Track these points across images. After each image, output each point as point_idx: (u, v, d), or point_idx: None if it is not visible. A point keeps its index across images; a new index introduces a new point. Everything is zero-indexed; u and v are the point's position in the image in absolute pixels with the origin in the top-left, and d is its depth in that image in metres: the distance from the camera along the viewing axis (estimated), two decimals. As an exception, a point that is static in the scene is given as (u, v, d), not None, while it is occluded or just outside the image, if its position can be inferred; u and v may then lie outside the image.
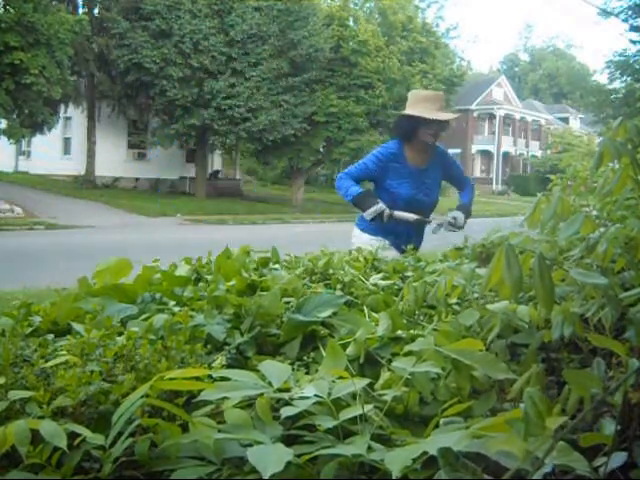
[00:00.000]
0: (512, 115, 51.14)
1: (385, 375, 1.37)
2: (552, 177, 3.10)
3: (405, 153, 3.92)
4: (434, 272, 2.06)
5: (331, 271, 2.18)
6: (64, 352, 1.38)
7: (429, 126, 3.82)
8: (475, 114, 49.29)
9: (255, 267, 2.34)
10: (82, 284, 2.06)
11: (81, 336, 1.43)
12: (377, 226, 3.84)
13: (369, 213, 3.70)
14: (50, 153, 28.19)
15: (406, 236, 3.73)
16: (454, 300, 1.66)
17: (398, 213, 3.76)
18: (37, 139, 24.66)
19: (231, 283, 2.02)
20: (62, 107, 23.81)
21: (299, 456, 1.08)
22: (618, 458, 0.97)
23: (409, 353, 1.35)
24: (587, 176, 2.98)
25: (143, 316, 1.77)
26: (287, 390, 1.25)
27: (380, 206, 3.71)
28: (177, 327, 1.57)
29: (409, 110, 3.86)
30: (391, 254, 3.13)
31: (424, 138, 3.87)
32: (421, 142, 3.91)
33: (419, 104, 3.84)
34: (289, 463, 1.01)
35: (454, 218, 3.92)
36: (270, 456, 1.00)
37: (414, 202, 3.86)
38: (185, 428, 1.16)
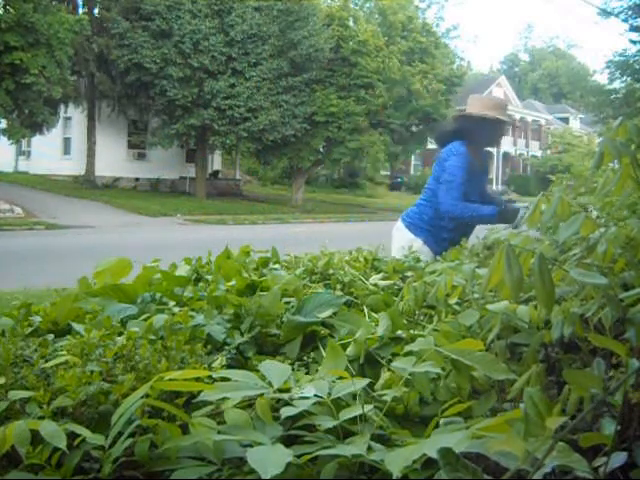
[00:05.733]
0: (512, 115, 51.10)
1: (385, 375, 1.37)
2: (552, 177, 3.09)
3: (471, 156, 3.72)
4: (434, 272, 2.05)
5: (331, 271, 2.18)
6: (64, 352, 1.38)
7: (502, 132, 3.89)
8: (475, 114, 49.18)
9: (255, 267, 2.34)
10: (82, 284, 2.06)
11: (81, 336, 1.43)
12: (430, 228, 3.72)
13: (522, 222, 3.28)
14: (50, 153, 28.15)
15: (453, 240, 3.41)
16: (454, 300, 1.66)
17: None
18: (37, 139, 24.64)
19: (231, 283, 2.02)
20: (62, 107, 23.79)
21: (299, 456, 1.08)
22: (618, 458, 0.97)
23: (409, 353, 1.35)
24: (587, 176, 2.97)
25: (143, 316, 1.76)
26: (287, 390, 1.24)
27: (522, 211, 3.46)
28: (177, 327, 1.57)
29: (494, 113, 3.69)
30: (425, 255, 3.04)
31: (495, 144, 4.05)
32: (483, 146, 3.91)
33: (496, 109, 3.73)
34: (289, 463, 1.00)
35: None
36: (270, 457, 1.00)
37: None
38: (185, 428, 1.16)
